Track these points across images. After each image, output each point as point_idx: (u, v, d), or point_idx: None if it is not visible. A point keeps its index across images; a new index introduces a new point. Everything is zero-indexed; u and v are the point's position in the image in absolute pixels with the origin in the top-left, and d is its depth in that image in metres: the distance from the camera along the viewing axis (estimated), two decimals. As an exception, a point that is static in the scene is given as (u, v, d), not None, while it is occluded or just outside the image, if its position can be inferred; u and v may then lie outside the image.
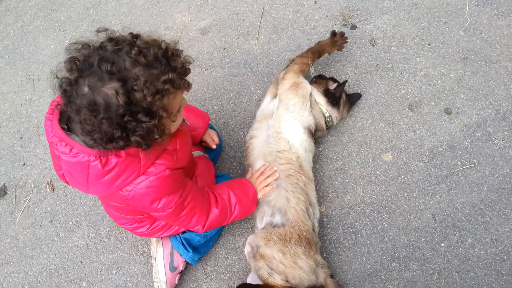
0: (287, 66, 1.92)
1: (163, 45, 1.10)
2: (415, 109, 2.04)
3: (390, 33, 2.24)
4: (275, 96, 1.90)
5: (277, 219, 1.60)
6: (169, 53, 1.10)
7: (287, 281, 1.52)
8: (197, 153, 1.75)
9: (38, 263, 1.92)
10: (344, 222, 1.86)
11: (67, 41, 2.50)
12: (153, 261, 1.73)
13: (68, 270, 1.89)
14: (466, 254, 1.76)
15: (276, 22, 2.36)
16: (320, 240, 1.72)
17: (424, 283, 1.72)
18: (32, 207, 2.05)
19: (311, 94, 1.84)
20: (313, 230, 1.64)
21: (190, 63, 1.17)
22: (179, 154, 1.30)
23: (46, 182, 2.09)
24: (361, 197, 1.89)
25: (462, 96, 2.05)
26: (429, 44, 2.18)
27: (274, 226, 1.60)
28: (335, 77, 2.03)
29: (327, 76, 1.99)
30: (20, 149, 2.21)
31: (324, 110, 1.87)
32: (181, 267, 1.72)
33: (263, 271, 1.52)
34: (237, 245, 1.85)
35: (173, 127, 1.21)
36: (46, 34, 2.55)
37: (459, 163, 1.92)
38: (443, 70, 2.11)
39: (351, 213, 1.87)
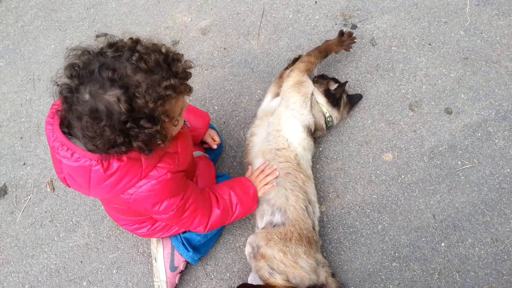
0: (288, 65, 1.92)
1: (163, 50, 1.09)
2: (416, 109, 2.04)
3: (391, 33, 2.23)
4: (276, 95, 1.90)
5: (277, 218, 1.60)
6: (170, 58, 1.09)
7: (288, 280, 1.52)
8: (197, 153, 1.75)
9: (39, 262, 1.93)
10: (344, 221, 1.86)
11: (67, 41, 2.50)
12: (154, 261, 1.73)
13: (69, 270, 1.89)
14: (467, 253, 1.76)
15: (277, 22, 2.36)
16: (320, 239, 1.72)
17: (424, 283, 1.72)
18: (33, 206, 2.05)
19: (312, 94, 1.84)
20: (313, 228, 1.64)
21: (191, 67, 1.16)
22: (181, 157, 1.30)
23: (47, 181, 2.09)
24: (362, 197, 1.89)
25: (462, 96, 2.05)
26: (430, 44, 2.18)
27: (274, 226, 1.60)
28: (336, 77, 2.03)
29: (329, 76, 1.99)
30: (21, 149, 2.21)
31: (325, 110, 1.86)
32: (181, 266, 1.72)
33: (264, 271, 1.52)
34: (237, 244, 1.85)
35: (175, 130, 1.22)
36: (46, 34, 2.55)
37: (459, 162, 1.92)
38: (444, 70, 2.11)
39: (352, 212, 1.87)
